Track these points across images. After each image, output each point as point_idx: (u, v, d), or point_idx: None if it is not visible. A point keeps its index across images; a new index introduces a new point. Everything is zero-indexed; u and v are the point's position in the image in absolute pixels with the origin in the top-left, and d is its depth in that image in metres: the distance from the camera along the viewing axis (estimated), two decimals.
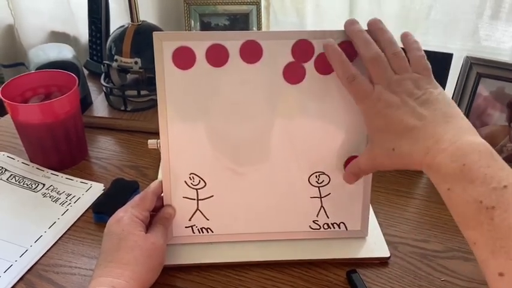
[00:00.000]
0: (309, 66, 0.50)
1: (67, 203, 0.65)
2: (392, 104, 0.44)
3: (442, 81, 0.70)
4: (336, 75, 0.49)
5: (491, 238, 0.35)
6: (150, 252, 0.48)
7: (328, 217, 0.57)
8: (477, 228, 0.36)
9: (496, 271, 0.35)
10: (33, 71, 0.76)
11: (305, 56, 0.50)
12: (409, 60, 0.47)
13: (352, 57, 0.49)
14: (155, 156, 0.75)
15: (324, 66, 0.50)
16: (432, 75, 0.47)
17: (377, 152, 0.47)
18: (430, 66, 0.47)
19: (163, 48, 0.49)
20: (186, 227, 0.56)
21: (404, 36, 0.50)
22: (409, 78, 0.45)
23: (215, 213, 0.56)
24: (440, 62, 0.69)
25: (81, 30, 1.12)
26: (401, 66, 0.46)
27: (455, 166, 0.38)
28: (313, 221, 0.57)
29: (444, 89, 0.69)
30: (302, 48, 0.49)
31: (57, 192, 0.67)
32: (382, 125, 0.45)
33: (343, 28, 0.50)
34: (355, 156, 0.53)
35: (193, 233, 0.57)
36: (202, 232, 0.57)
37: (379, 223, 0.61)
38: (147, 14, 1.01)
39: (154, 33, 0.49)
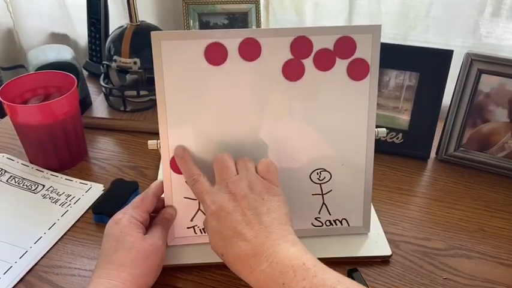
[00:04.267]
0: (308, 62, 0.50)
1: (67, 204, 0.65)
2: (225, 208, 0.45)
3: (443, 79, 0.69)
4: (335, 70, 0.48)
5: None
6: (148, 253, 0.48)
7: (330, 214, 0.57)
8: None
9: None
10: (32, 72, 0.76)
11: (304, 52, 0.50)
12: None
13: (350, 54, 0.49)
14: (155, 157, 0.75)
15: (323, 63, 0.50)
16: (277, 176, 0.48)
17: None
18: (276, 168, 0.49)
19: (162, 47, 0.49)
20: (188, 228, 0.56)
21: None
22: (246, 179, 0.47)
23: None
24: (440, 59, 0.69)
25: (81, 32, 1.12)
26: (245, 165, 0.48)
27: (277, 287, 0.40)
28: (316, 218, 0.57)
29: (444, 87, 0.70)
30: (301, 45, 0.49)
31: (57, 193, 0.67)
32: (215, 226, 0.46)
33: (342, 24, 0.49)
34: None
35: (195, 233, 0.56)
36: (204, 232, 0.56)
37: (380, 221, 0.61)
38: (146, 14, 1.01)
39: (153, 33, 0.48)
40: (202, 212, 0.55)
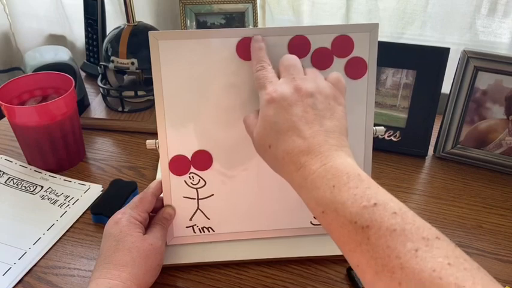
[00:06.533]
0: (306, 61, 0.50)
1: (65, 205, 0.65)
2: (287, 98, 0.42)
3: (440, 76, 0.70)
4: (333, 69, 0.49)
5: (371, 258, 0.34)
6: (148, 253, 0.48)
7: None
8: (357, 249, 0.35)
9: None
10: (29, 74, 0.76)
11: (302, 51, 0.50)
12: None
13: (348, 53, 0.49)
14: (153, 157, 0.75)
15: (320, 61, 0.50)
16: (344, 93, 0.46)
17: (256, 143, 0.45)
18: (345, 86, 0.46)
19: (160, 47, 0.49)
20: (187, 227, 0.56)
21: None
22: (315, 81, 0.44)
23: (216, 212, 0.56)
24: (437, 57, 0.69)
25: (78, 33, 1.12)
26: (313, 71, 0.46)
27: (325, 188, 0.38)
28: (314, 217, 0.57)
29: (441, 84, 0.70)
30: (298, 44, 0.49)
31: (56, 194, 0.67)
32: (271, 115, 0.43)
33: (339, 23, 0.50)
34: None
35: (194, 232, 0.56)
36: (203, 231, 0.56)
37: None
38: (143, 14, 1.01)
39: (150, 33, 0.48)
40: (201, 211, 0.56)
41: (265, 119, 0.43)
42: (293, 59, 0.46)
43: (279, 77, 0.45)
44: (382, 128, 0.55)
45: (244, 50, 0.49)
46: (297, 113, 0.42)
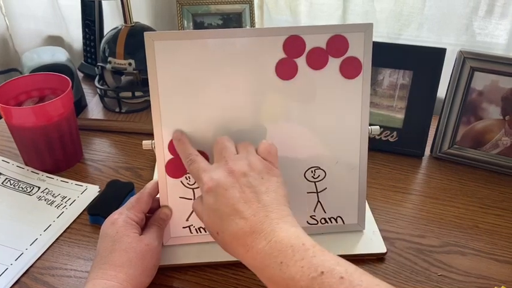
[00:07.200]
0: (301, 61, 0.50)
1: (62, 206, 0.65)
2: (223, 184, 0.44)
3: (436, 77, 0.70)
4: (328, 69, 0.49)
5: None
6: (144, 254, 0.48)
7: (325, 212, 0.57)
8: None
9: None
10: (26, 74, 0.76)
11: (297, 51, 0.50)
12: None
13: (343, 53, 0.49)
14: (150, 157, 0.75)
15: (315, 61, 0.50)
16: (277, 160, 0.47)
17: (207, 230, 0.47)
18: (277, 152, 0.48)
19: (155, 48, 0.49)
20: (183, 227, 0.56)
21: None
22: (246, 159, 0.46)
23: None
24: (433, 57, 0.69)
25: (75, 34, 1.12)
26: (244, 146, 0.48)
27: (274, 265, 0.39)
28: (311, 216, 0.57)
29: (438, 85, 0.70)
30: (294, 44, 0.50)
31: (52, 195, 0.67)
32: (211, 203, 0.44)
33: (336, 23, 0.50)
34: None
35: (191, 233, 0.56)
36: (200, 232, 0.56)
37: (375, 219, 0.61)
38: (140, 15, 1.01)
39: (146, 33, 0.48)
40: None
41: (208, 208, 0.45)
42: (224, 140, 0.48)
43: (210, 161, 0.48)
44: (377, 127, 0.55)
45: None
46: (234, 195, 0.43)
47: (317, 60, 0.50)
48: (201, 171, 0.46)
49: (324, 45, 0.50)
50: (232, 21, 0.90)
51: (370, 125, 0.54)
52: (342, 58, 0.51)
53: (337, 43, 0.50)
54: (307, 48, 0.50)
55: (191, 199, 0.55)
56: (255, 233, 0.41)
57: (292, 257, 0.38)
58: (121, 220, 0.50)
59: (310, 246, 0.39)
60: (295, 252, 0.39)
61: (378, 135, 0.71)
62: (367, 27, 0.50)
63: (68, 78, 0.71)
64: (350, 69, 0.51)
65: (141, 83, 0.84)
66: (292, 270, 0.38)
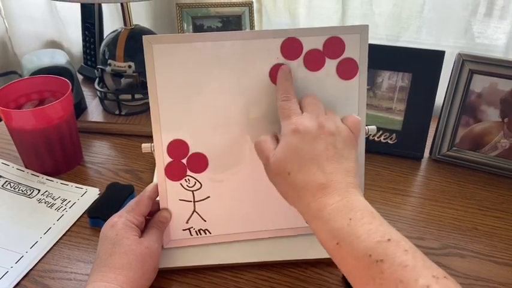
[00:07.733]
0: (299, 63, 0.51)
1: (62, 208, 0.65)
2: (312, 132, 0.44)
3: (435, 79, 0.70)
4: (325, 70, 0.50)
5: None
6: (144, 256, 0.48)
7: None
8: (369, 283, 0.36)
9: None
10: (26, 77, 0.76)
11: (294, 53, 0.50)
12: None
13: (339, 54, 0.50)
14: (150, 160, 0.75)
15: (313, 63, 0.51)
16: (358, 137, 0.48)
17: (272, 168, 0.46)
18: (361, 129, 0.48)
19: (154, 51, 0.49)
20: (183, 230, 0.56)
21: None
22: (334, 122, 0.46)
23: (212, 214, 0.56)
24: (432, 60, 0.69)
25: (75, 36, 1.12)
26: (333, 113, 0.48)
27: (343, 221, 0.40)
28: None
29: (437, 87, 0.70)
30: (291, 46, 0.50)
31: (52, 198, 0.67)
32: (295, 143, 0.44)
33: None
34: None
35: (191, 235, 0.57)
36: (200, 234, 0.57)
37: None
38: (140, 18, 1.01)
39: (144, 37, 0.49)
40: (197, 213, 0.56)
41: (288, 147, 0.44)
42: (316, 98, 0.48)
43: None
44: (374, 127, 0.55)
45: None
46: (320, 147, 0.44)
47: (314, 61, 0.50)
48: (292, 112, 0.46)
49: (320, 47, 0.51)
50: (232, 24, 0.91)
51: (366, 125, 0.54)
52: (338, 59, 0.51)
53: (334, 45, 0.50)
54: (305, 50, 0.50)
55: (191, 201, 0.55)
56: (330, 188, 0.42)
57: (361, 219, 0.39)
58: (121, 223, 0.50)
59: (378, 217, 0.40)
60: (364, 216, 0.40)
61: (374, 135, 0.71)
62: (363, 29, 0.51)
63: (68, 80, 0.71)
64: (346, 70, 0.52)
65: (140, 86, 0.84)
66: (359, 229, 0.38)
